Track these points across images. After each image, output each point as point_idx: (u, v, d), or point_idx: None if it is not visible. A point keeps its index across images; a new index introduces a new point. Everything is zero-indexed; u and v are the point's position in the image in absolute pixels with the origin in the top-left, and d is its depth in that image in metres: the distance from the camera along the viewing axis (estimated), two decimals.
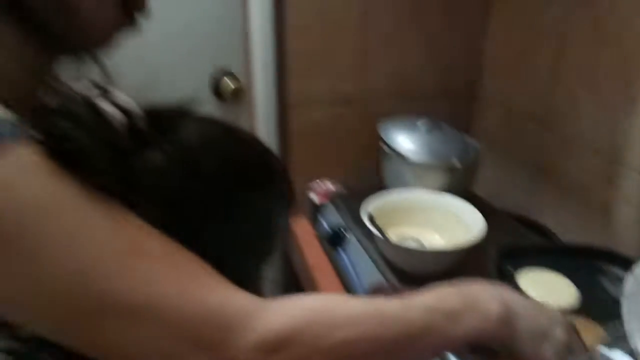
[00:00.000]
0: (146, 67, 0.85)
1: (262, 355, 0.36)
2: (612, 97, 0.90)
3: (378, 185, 1.06)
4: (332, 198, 1.13)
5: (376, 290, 0.80)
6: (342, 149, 1.25)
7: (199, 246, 0.38)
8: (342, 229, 1.01)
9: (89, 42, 0.44)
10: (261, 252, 0.49)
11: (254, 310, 0.38)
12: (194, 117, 0.44)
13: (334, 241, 1.01)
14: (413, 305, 0.44)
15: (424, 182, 1.01)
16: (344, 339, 0.39)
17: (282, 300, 0.40)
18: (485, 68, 1.27)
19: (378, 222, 0.86)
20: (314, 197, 1.15)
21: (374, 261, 0.89)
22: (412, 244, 0.87)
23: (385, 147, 1.06)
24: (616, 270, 0.80)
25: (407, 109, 1.20)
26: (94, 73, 0.45)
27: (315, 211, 1.14)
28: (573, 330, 0.53)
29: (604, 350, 0.54)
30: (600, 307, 0.72)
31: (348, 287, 0.92)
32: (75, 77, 0.43)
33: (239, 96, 1.24)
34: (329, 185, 1.17)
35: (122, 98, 0.40)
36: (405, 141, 1.05)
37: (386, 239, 0.84)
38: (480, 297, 0.47)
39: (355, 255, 0.95)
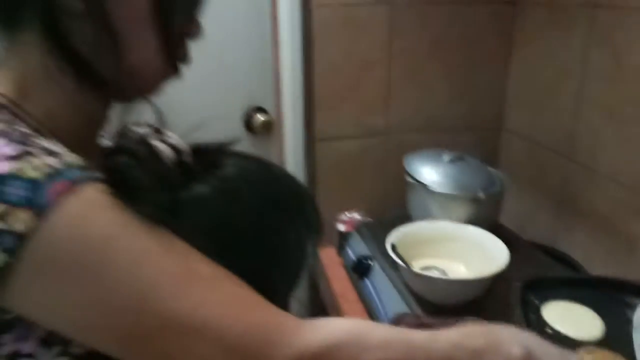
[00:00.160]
0: (187, 108, 0.92)
1: None
2: (635, 129, 0.92)
3: (404, 216, 1.09)
4: (358, 227, 1.15)
5: (399, 320, 0.81)
6: (368, 180, 1.28)
7: (237, 270, 0.42)
8: (367, 259, 1.03)
9: (139, 90, 0.50)
10: (291, 277, 0.52)
11: (291, 327, 0.41)
12: (233, 153, 0.49)
13: (359, 270, 1.03)
14: (439, 338, 0.46)
15: (449, 213, 1.02)
16: None
17: (317, 321, 0.43)
18: (508, 101, 1.29)
19: (403, 252, 0.88)
20: (341, 227, 1.18)
21: (398, 290, 0.91)
22: (435, 273, 0.88)
23: (410, 179, 1.09)
24: None
25: (432, 141, 1.23)
26: (147, 116, 0.51)
27: (342, 240, 1.17)
28: None
29: None
30: (625, 340, 0.72)
31: (373, 316, 0.94)
32: (132, 120, 0.49)
33: (269, 129, 1.31)
34: (356, 215, 1.19)
35: (172, 137, 0.45)
36: (430, 173, 1.06)
37: (409, 268, 0.86)
38: (503, 339, 0.48)
39: (380, 284, 0.97)
